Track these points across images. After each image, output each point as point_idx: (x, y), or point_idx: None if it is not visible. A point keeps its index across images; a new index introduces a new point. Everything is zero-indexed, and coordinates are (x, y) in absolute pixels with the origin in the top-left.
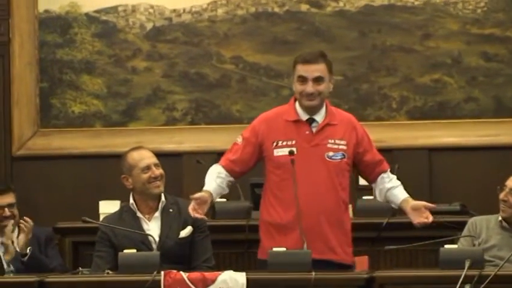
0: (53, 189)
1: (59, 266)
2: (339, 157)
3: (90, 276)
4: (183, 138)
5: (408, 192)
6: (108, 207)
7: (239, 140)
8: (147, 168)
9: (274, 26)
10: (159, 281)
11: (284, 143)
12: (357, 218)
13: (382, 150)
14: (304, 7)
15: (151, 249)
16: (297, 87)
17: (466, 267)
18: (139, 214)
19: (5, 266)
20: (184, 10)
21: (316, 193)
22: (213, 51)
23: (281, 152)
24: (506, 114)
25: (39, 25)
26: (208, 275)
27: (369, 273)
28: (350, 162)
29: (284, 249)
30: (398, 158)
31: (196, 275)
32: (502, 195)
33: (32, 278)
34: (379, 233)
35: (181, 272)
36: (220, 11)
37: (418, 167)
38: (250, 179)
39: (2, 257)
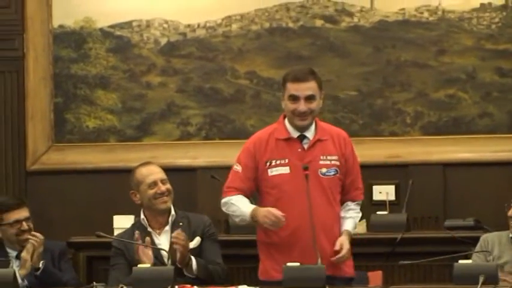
0: (67, 204)
1: (72, 280)
2: (332, 173)
3: None
4: (198, 153)
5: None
6: (122, 221)
7: (237, 167)
8: (154, 184)
9: (288, 41)
10: None
11: (278, 162)
12: (371, 233)
13: (396, 166)
14: (318, 22)
15: (164, 263)
16: (289, 106)
17: (480, 283)
18: (149, 229)
19: (20, 280)
20: (198, 25)
21: (312, 211)
22: (228, 67)
23: (275, 171)
24: None
25: (53, 40)
26: None
27: None
28: (342, 177)
29: (298, 264)
30: (412, 174)
31: None
32: (510, 212)
33: None
34: (393, 248)
35: (195, 287)
36: (234, 26)
37: (433, 183)
38: None
39: (16, 271)
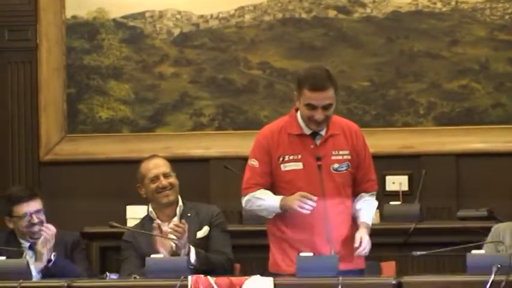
0: (80, 194)
1: (85, 271)
2: (344, 168)
3: (118, 280)
4: (211, 144)
5: (435, 198)
6: (135, 212)
7: (254, 162)
8: (156, 178)
9: (301, 32)
10: (186, 285)
11: (291, 157)
12: (384, 223)
13: (409, 156)
14: (331, 13)
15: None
16: (305, 112)
17: (493, 273)
18: (158, 221)
19: (34, 272)
20: (211, 16)
21: (325, 207)
22: (240, 57)
23: (288, 167)
24: None
25: (66, 31)
26: (235, 280)
27: (396, 279)
28: (354, 170)
29: (311, 254)
30: (425, 164)
31: (223, 280)
32: None
33: (59, 283)
34: (407, 238)
35: (208, 277)
36: (247, 17)
37: (446, 173)
38: None
39: (31, 263)
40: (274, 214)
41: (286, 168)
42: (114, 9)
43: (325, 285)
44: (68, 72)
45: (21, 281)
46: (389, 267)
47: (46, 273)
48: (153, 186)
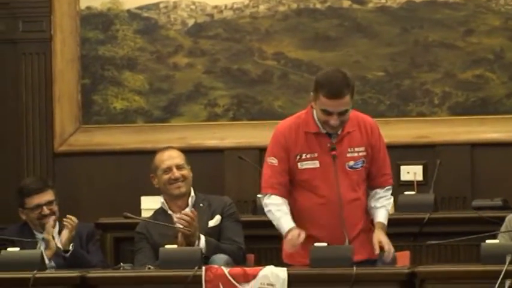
0: (94, 185)
1: (99, 262)
2: (360, 165)
3: (132, 271)
4: (225, 134)
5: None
6: (149, 202)
7: (273, 161)
8: (169, 169)
9: (316, 22)
10: (200, 276)
11: (308, 156)
12: (398, 213)
13: (424, 146)
14: (346, 3)
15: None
16: (320, 116)
17: (507, 262)
18: (170, 212)
19: (47, 261)
20: (225, 6)
21: (341, 205)
22: (255, 48)
23: (305, 165)
24: None
25: (80, 22)
26: (250, 270)
27: (410, 269)
28: (368, 165)
29: (325, 244)
30: (440, 154)
31: (237, 270)
32: None
33: (73, 274)
34: (421, 228)
35: (222, 267)
36: (262, 8)
37: (460, 163)
38: None
39: (43, 252)
40: None
41: (303, 167)
42: (129, 0)
43: (340, 276)
44: (82, 63)
45: (35, 271)
46: (403, 257)
47: (63, 263)
48: (166, 177)
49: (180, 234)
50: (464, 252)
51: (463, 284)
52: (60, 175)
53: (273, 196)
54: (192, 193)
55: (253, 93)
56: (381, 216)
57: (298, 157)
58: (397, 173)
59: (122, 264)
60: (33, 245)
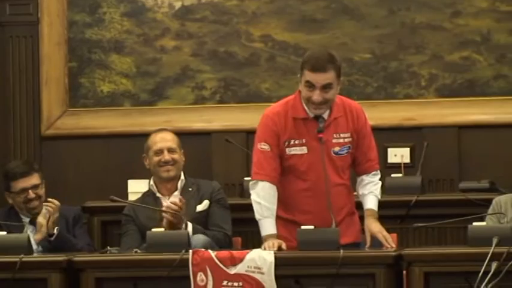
0: (81, 169)
1: (86, 245)
2: (345, 151)
3: (118, 255)
4: (212, 117)
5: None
6: (136, 186)
7: (265, 146)
8: (160, 151)
9: (303, 4)
10: (187, 259)
11: (297, 142)
12: (385, 195)
13: (411, 128)
14: None
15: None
16: (304, 92)
17: (493, 245)
18: (158, 195)
19: (34, 245)
20: None
21: (327, 191)
22: (242, 30)
23: (293, 151)
24: None
25: (68, 5)
26: (237, 253)
27: (397, 251)
28: (353, 151)
29: (312, 227)
30: (427, 136)
31: (224, 253)
32: None
33: (60, 257)
34: (408, 210)
35: (209, 251)
36: None
37: (447, 145)
38: None
39: (31, 236)
40: None
41: (291, 153)
42: None
43: (326, 258)
44: (69, 46)
45: (22, 255)
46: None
47: (48, 247)
48: (156, 159)
49: (164, 220)
50: (452, 234)
51: (450, 267)
52: (47, 158)
53: (266, 184)
54: (182, 177)
55: (240, 75)
56: (370, 202)
57: (286, 143)
58: (384, 156)
59: (108, 247)
60: (20, 228)
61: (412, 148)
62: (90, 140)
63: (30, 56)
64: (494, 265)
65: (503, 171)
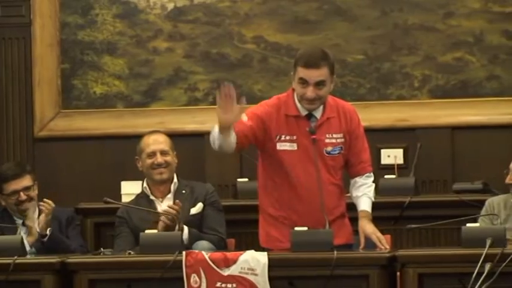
0: (74, 170)
1: (79, 247)
2: (337, 151)
3: (112, 256)
4: (205, 118)
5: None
6: (129, 187)
7: (244, 117)
8: (153, 154)
9: (295, 6)
10: (181, 261)
11: (288, 138)
12: (379, 197)
13: (404, 129)
14: None
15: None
16: (298, 89)
17: (487, 246)
18: (152, 197)
19: (27, 247)
20: None
21: (318, 189)
22: (234, 31)
23: (284, 146)
24: None
25: (60, 6)
26: (230, 255)
27: (391, 252)
28: (346, 152)
29: (306, 228)
30: (420, 137)
31: (218, 255)
32: (507, 179)
33: (53, 259)
34: (402, 212)
35: (203, 252)
36: None
37: (441, 146)
38: None
39: (24, 238)
40: (220, 138)
41: (281, 148)
42: None
43: (320, 260)
44: (61, 47)
45: (15, 257)
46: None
47: (41, 248)
48: (149, 161)
49: (160, 223)
50: (445, 235)
51: (444, 268)
52: (40, 160)
53: None
54: (175, 179)
55: (233, 77)
56: (364, 204)
57: (277, 137)
58: (377, 157)
59: (102, 249)
60: (13, 230)
61: (405, 149)
62: (83, 141)
63: (23, 57)
64: (487, 266)
65: (497, 172)
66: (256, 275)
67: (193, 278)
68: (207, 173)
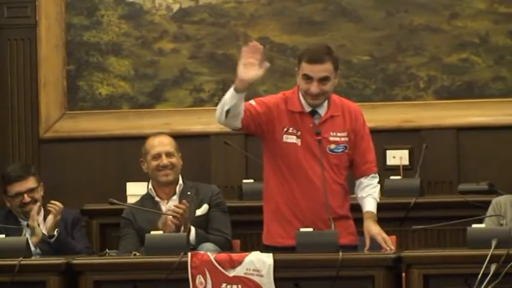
0: (80, 172)
1: (85, 248)
2: (341, 150)
3: (117, 257)
4: (211, 120)
5: (436, 173)
6: (135, 188)
7: (252, 102)
8: (158, 155)
9: (300, 7)
10: (186, 262)
11: (294, 131)
12: (384, 198)
13: (409, 130)
14: None
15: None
16: (302, 84)
17: (492, 247)
18: (157, 199)
19: (32, 248)
20: None
21: (321, 186)
22: (240, 32)
23: (289, 139)
24: None
25: (65, 7)
26: (235, 256)
27: (396, 253)
28: (351, 152)
29: (311, 229)
30: (426, 138)
31: (223, 256)
32: None
33: (59, 260)
34: (407, 213)
35: (208, 253)
36: None
37: (446, 147)
38: None
39: (29, 239)
40: (235, 99)
41: (288, 140)
42: None
43: (326, 261)
44: (67, 49)
45: (20, 258)
46: None
47: (47, 249)
48: (154, 163)
49: (168, 223)
50: (451, 236)
51: (449, 269)
52: (46, 161)
53: None
54: (180, 181)
55: None
56: (369, 205)
57: (285, 129)
58: (383, 158)
59: (107, 250)
60: (19, 231)
61: (410, 150)
62: (89, 142)
63: (28, 58)
64: (493, 267)
65: (502, 172)
66: (261, 276)
67: (199, 279)
68: (213, 174)
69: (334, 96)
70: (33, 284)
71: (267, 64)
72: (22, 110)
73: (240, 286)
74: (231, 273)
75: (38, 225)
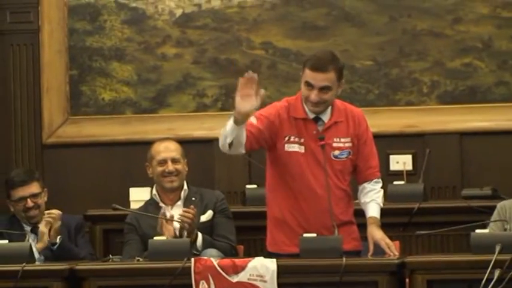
0: (83, 177)
1: (88, 255)
2: (345, 155)
3: (121, 263)
4: (214, 125)
5: (439, 178)
6: (138, 194)
7: (253, 120)
8: (164, 161)
9: (304, 12)
10: (190, 267)
11: (296, 139)
12: (388, 203)
13: (413, 135)
14: None
15: (177, 236)
16: (304, 91)
17: (496, 252)
18: (161, 204)
19: (36, 254)
20: None
21: (325, 193)
22: (243, 37)
23: (292, 148)
24: None
25: (68, 13)
26: (239, 261)
27: (400, 259)
28: (354, 157)
29: (315, 235)
30: (429, 143)
31: (226, 261)
32: None
33: (62, 266)
34: (410, 218)
35: (211, 259)
36: None
37: (449, 152)
38: None
39: (33, 245)
40: (234, 131)
41: (290, 150)
42: None
43: (329, 266)
44: (70, 54)
45: (24, 264)
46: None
47: (50, 256)
48: (160, 169)
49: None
50: (454, 242)
51: (453, 274)
52: (49, 167)
53: None
54: (185, 187)
55: None
56: (372, 210)
57: (286, 138)
58: (386, 163)
59: (111, 256)
60: (22, 237)
61: (414, 155)
62: (92, 148)
63: (31, 64)
64: (497, 272)
65: (506, 177)
66: (265, 281)
67: (202, 284)
68: (216, 179)
69: (338, 102)
70: None
71: (262, 91)
72: (25, 115)
73: None
74: (235, 279)
75: (49, 232)
